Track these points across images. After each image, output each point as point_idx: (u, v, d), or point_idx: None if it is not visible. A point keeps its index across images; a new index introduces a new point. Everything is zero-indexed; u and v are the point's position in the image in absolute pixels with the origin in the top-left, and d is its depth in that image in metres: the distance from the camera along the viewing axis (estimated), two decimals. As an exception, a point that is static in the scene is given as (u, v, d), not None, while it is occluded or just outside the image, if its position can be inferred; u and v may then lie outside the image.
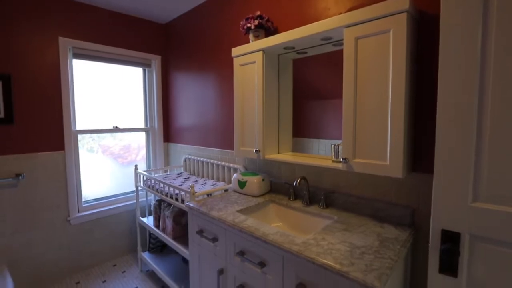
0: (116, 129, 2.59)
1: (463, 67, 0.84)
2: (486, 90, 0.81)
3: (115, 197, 2.62)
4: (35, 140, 2.07)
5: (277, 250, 1.09)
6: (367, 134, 1.14)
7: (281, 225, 1.53)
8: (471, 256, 0.91)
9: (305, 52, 1.59)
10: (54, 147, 2.17)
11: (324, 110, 1.55)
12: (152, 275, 2.33)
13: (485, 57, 0.80)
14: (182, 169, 2.68)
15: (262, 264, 1.16)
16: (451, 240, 0.95)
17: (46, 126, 2.12)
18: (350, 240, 1.09)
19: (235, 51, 1.71)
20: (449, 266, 0.96)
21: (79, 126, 2.35)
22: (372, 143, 1.13)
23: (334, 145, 1.36)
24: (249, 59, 1.63)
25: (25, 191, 2.05)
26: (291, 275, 1.05)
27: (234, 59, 1.73)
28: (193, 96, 2.50)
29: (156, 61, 2.75)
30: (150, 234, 2.43)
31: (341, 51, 1.22)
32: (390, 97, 1.06)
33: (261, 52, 1.56)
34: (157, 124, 2.83)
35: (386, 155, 1.09)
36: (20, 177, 2.00)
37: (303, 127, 1.67)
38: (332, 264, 0.92)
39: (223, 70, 2.16)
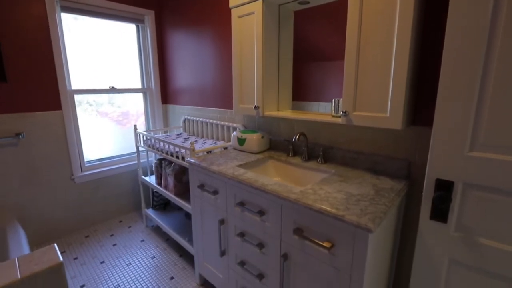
0: (113, 90, 2.54)
1: (472, 13, 0.79)
2: (495, 38, 0.78)
3: (117, 157, 2.65)
4: (31, 99, 2.04)
5: (276, 199, 1.14)
6: (369, 86, 1.12)
7: (279, 179, 1.57)
8: (462, 203, 0.94)
9: (307, 2, 1.50)
10: (51, 107, 2.14)
11: (325, 73, 1.51)
12: (157, 230, 2.45)
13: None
14: (181, 130, 2.68)
15: (261, 213, 1.21)
16: (444, 188, 0.98)
17: (40, 84, 2.07)
18: (346, 190, 1.12)
19: (233, 0, 1.61)
20: (440, 213, 1.00)
21: (75, 86, 2.30)
22: (373, 95, 1.11)
23: (335, 100, 1.34)
24: (248, 9, 1.54)
25: (27, 150, 2.07)
26: (289, 222, 1.10)
27: (232, 10, 1.63)
28: (190, 54, 2.41)
29: (149, 16, 2.60)
30: (153, 192, 2.51)
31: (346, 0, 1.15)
32: (394, 47, 1.02)
33: (261, 1, 1.47)
34: (154, 84, 2.77)
35: (386, 107, 1.08)
36: (20, 136, 2.00)
37: (303, 90, 1.64)
38: (328, 209, 0.96)
39: (220, 25, 2.05)
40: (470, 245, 0.94)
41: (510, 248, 0.85)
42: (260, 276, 1.28)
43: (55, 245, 1.01)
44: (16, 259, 0.95)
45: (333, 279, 1.00)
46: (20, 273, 0.91)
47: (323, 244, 0.97)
